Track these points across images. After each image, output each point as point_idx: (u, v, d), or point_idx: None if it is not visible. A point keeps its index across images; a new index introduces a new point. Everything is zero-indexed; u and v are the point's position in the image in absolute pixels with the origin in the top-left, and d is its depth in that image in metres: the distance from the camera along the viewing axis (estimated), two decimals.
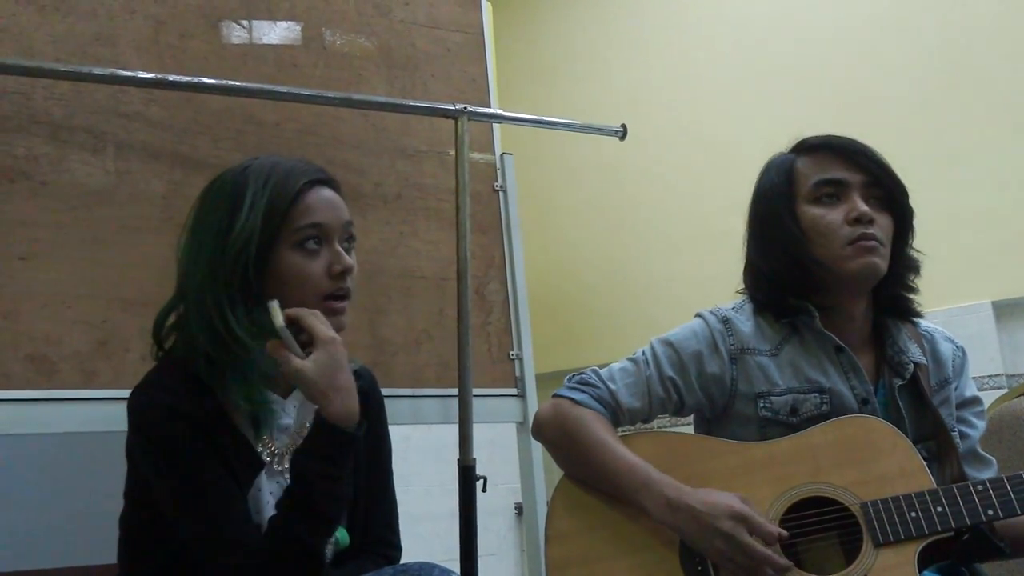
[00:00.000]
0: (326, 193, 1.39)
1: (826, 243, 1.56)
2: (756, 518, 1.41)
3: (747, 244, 1.69)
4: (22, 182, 1.91)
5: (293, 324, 1.29)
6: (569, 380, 1.67)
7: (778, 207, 1.61)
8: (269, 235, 1.32)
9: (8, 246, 1.87)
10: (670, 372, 1.62)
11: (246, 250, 1.31)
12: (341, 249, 1.38)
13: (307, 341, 1.30)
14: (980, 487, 1.41)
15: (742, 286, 1.71)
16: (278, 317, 1.28)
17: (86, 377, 1.89)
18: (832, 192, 1.58)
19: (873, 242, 1.54)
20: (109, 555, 1.41)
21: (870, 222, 1.54)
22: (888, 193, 1.58)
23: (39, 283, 1.88)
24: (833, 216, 1.56)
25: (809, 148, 1.64)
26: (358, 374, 1.55)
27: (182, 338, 1.37)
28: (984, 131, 3.15)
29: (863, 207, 1.54)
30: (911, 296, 1.64)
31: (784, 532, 1.43)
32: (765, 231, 1.64)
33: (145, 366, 1.43)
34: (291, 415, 1.42)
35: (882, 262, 1.55)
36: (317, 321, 1.30)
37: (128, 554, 1.39)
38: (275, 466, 1.38)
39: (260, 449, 1.37)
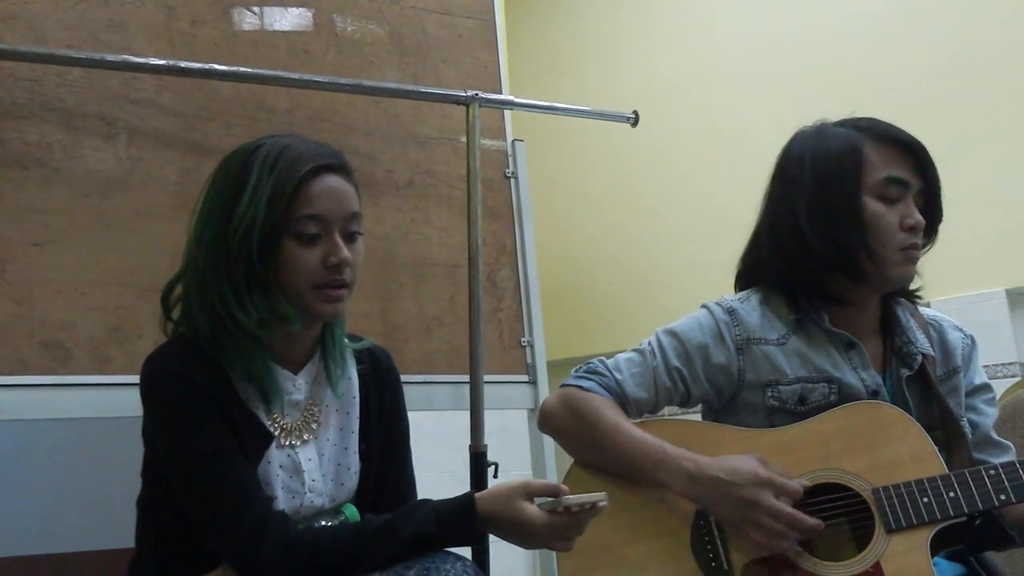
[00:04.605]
0: (332, 181, 1.35)
1: (881, 242, 1.53)
2: (778, 480, 1.43)
3: (780, 210, 1.62)
4: (35, 169, 1.92)
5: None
6: (576, 371, 1.67)
7: (847, 188, 1.55)
8: (272, 223, 1.31)
9: (22, 233, 1.88)
10: (676, 363, 1.61)
11: (249, 237, 1.30)
12: (340, 241, 1.34)
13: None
14: (992, 472, 1.41)
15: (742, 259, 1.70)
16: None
17: (100, 363, 1.90)
18: (896, 192, 1.55)
19: (918, 252, 1.55)
20: (124, 539, 1.42)
21: (919, 232, 1.55)
22: (931, 203, 1.58)
23: (53, 269, 1.89)
24: (892, 218, 1.54)
25: (879, 136, 1.58)
26: (372, 352, 1.54)
27: (184, 312, 1.38)
28: (998, 118, 3.13)
29: (919, 216, 1.54)
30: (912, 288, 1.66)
31: (806, 482, 1.45)
32: (824, 206, 1.55)
33: None
34: (302, 391, 1.41)
35: (916, 271, 1.57)
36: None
37: (145, 535, 1.39)
38: (283, 441, 1.37)
39: (269, 423, 1.36)
